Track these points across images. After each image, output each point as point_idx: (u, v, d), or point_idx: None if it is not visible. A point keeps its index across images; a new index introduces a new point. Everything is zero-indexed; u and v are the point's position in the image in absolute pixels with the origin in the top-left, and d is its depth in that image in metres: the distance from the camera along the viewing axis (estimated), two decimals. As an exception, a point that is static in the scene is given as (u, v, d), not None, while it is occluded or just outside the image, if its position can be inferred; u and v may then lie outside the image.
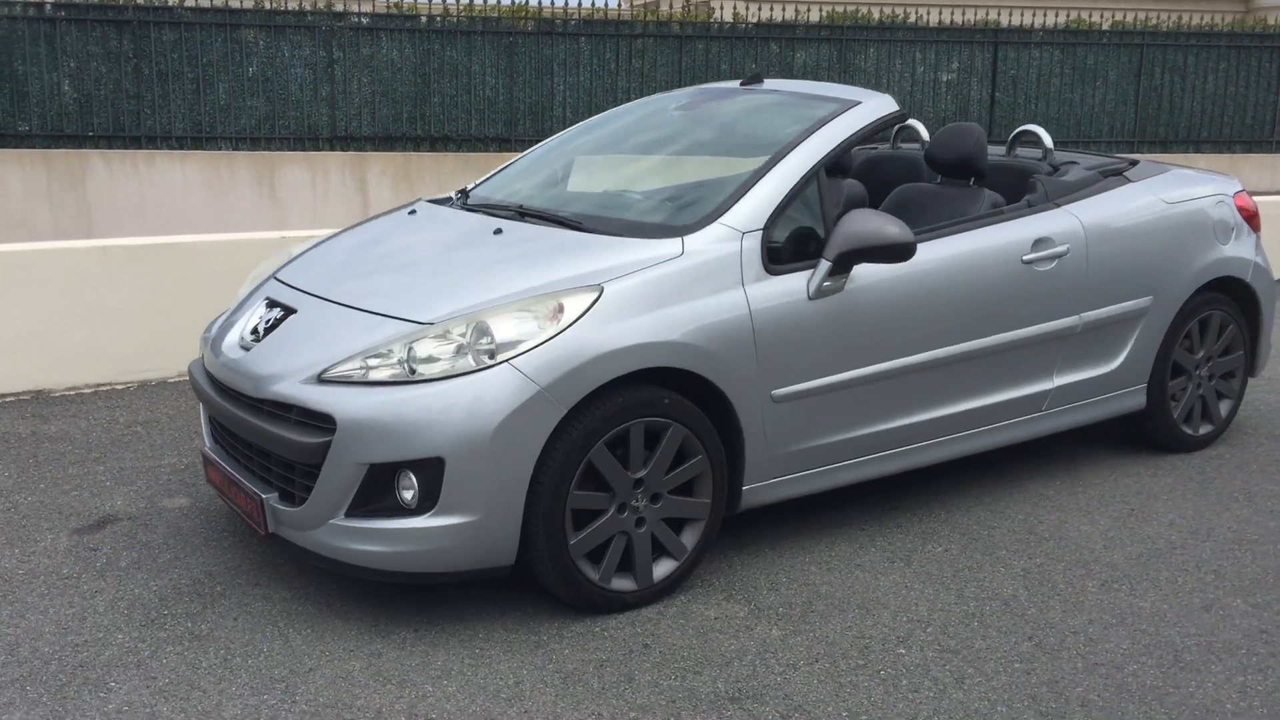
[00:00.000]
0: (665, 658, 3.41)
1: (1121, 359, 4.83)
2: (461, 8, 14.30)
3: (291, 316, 3.79)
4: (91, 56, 13.30)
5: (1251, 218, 5.27)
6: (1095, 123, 16.42)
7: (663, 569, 3.74)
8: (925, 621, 3.64)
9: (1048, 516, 4.48)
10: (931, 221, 4.50)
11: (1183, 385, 5.13)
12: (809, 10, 15.56)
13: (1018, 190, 4.84)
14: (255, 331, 3.83)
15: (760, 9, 15.78)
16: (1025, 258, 4.43)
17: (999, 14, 16.38)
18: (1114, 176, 4.93)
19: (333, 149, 14.00)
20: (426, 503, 3.36)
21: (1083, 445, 5.30)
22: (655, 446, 3.62)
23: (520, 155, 5.03)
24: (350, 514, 3.41)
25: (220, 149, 13.71)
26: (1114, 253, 4.69)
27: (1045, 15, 16.92)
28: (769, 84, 4.83)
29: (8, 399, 5.90)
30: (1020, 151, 5.44)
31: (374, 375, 3.43)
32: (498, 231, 4.01)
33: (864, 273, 4.01)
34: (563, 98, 14.45)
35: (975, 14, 16.42)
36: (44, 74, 13.23)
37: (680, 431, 3.65)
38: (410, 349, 3.44)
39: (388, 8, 14.15)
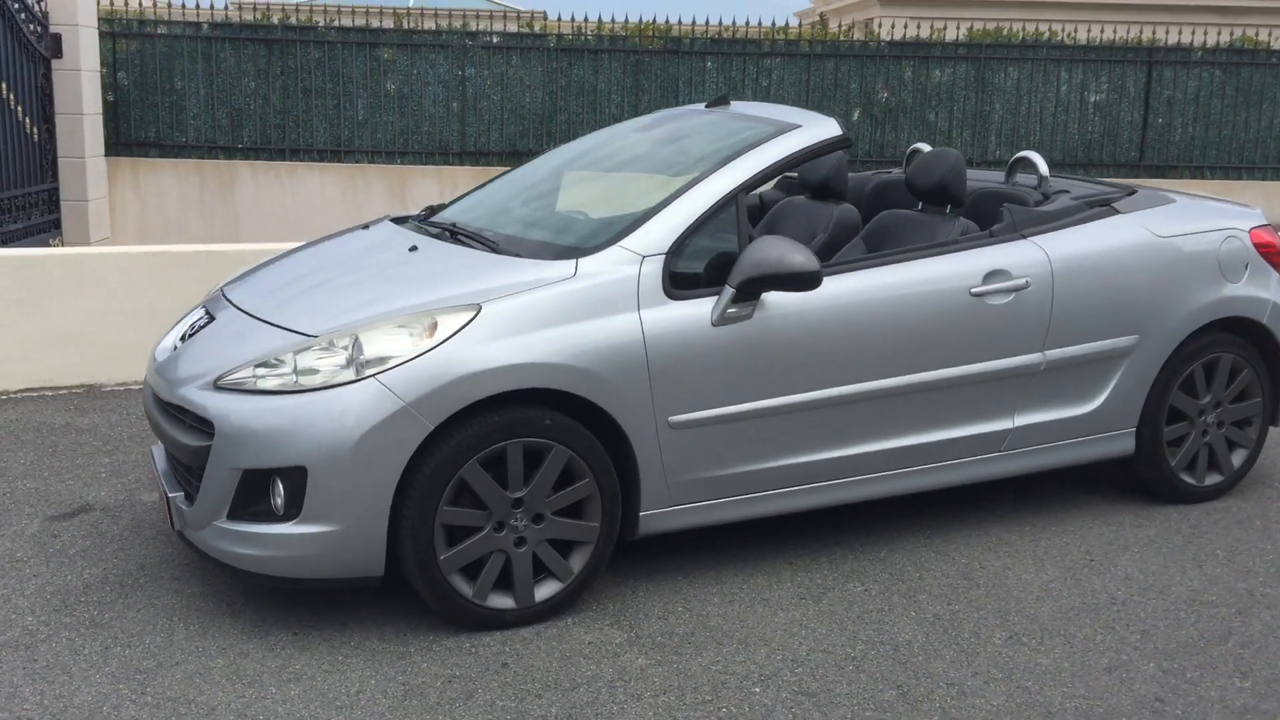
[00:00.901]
0: (516, 678, 3.42)
1: (1101, 400, 4.56)
2: (592, 26, 14.55)
3: (210, 325, 3.97)
4: (243, 73, 14.13)
5: (1274, 254, 4.89)
6: (1261, 148, 15.40)
7: (547, 590, 3.75)
8: (800, 661, 3.53)
9: (994, 562, 4.27)
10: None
11: (1183, 432, 4.79)
12: (945, 28, 15.15)
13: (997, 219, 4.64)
14: (183, 339, 4.04)
15: (895, 27, 15.47)
16: (974, 290, 4.24)
17: (1155, 31, 15.57)
18: (1100, 207, 4.66)
19: (462, 163, 14.45)
20: (292, 510, 3.47)
21: (1078, 489, 5.02)
22: (538, 467, 3.64)
23: (502, 173, 5.12)
24: (231, 517, 3.55)
25: (357, 162, 14.34)
26: (1087, 287, 4.43)
27: (1207, 33, 15.98)
28: (735, 106, 4.77)
29: (61, 391, 6.35)
30: (1021, 179, 5.20)
31: (262, 384, 3.57)
32: (413, 249, 4.10)
33: (783, 300, 3.93)
34: (688, 116, 14.49)
35: (1129, 31, 15.65)
36: (200, 89, 14.14)
37: (564, 453, 3.65)
38: (296, 360, 3.57)
39: (519, 27, 14.51)
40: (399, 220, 4.69)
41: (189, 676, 3.39)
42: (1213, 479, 4.90)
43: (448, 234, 4.25)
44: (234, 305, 4.04)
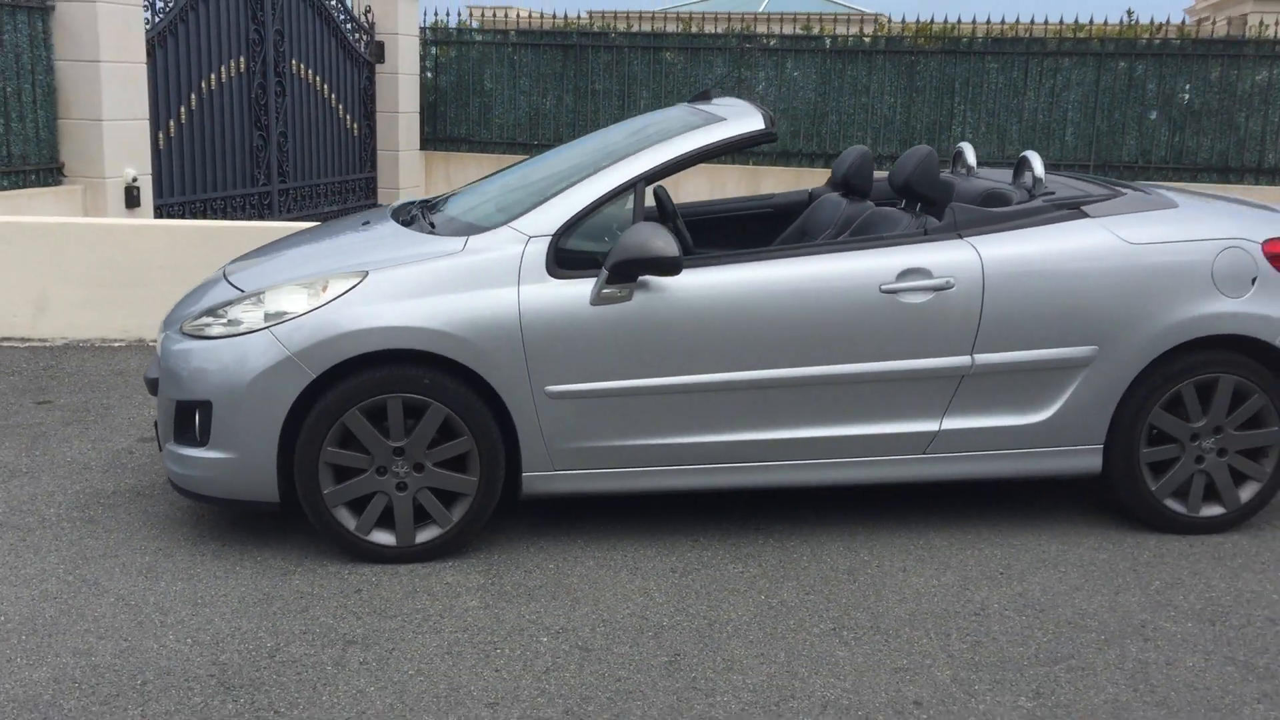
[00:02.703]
0: (354, 602, 3.87)
1: (1052, 411, 4.33)
2: (874, 28, 14.50)
3: (206, 283, 4.71)
4: (541, 76, 15.31)
5: (1300, 269, 4.40)
6: None
7: (428, 534, 4.16)
8: (607, 623, 3.74)
9: (895, 562, 4.21)
10: None
11: (1172, 455, 4.43)
12: (1263, 24, 13.73)
13: (973, 218, 4.51)
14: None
15: (1267, 25, 14.21)
16: (885, 286, 4.19)
17: None
18: (1067, 209, 4.40)
19: (731, 162, 14.88)
20: (204, 437, 4.11)
21: (1068, 504, 4.76)
22: (420, 421, 4.07)
23: (513, 165, 5.48)
24: (175, 440, 4.25)
25: (637, 159, 15.12)
26: (1026, 291, 4.23)
27: None
28: (716, 101, 4.93)
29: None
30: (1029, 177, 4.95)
31: (208, 330, 4.23)
32: (365, 224, 4.63)
33: (671, 284, 4.11)
34: (963, 117, 14.13)
35: None
36: (505, 91, 15.47)
37: (441, 411, 4.06)
38: (230, 312, 4.20)
39: (794, 30, 14.73)
40: (407, 204, 5.18)
41: (113, 568, 4.11)
42: (1211, 510, 4.49)
43: (415, 214, 4.75)
44: (223, 269, 4.75)
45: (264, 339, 4.03)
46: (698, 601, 3.91)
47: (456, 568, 4.15)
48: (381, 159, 15.01)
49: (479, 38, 15.54)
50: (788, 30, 14.85)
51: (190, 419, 4.18)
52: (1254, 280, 4.36)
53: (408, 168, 15.22)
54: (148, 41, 10.30)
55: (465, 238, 4.18)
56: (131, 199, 10.00)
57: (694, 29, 15.14)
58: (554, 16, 16.44)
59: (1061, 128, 13.96)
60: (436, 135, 15.85)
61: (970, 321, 4.24)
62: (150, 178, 10.29)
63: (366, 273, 4.09)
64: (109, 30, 9.60)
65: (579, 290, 4.10)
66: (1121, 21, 14.14)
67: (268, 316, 4.07)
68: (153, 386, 4.34)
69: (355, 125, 14.31)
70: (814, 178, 14.50)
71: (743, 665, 3.49)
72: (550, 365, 4.09)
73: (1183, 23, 15.15)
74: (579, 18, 15.99)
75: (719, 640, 3.64)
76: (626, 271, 4.03)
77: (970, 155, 5.52)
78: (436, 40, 15.58)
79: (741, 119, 4.37)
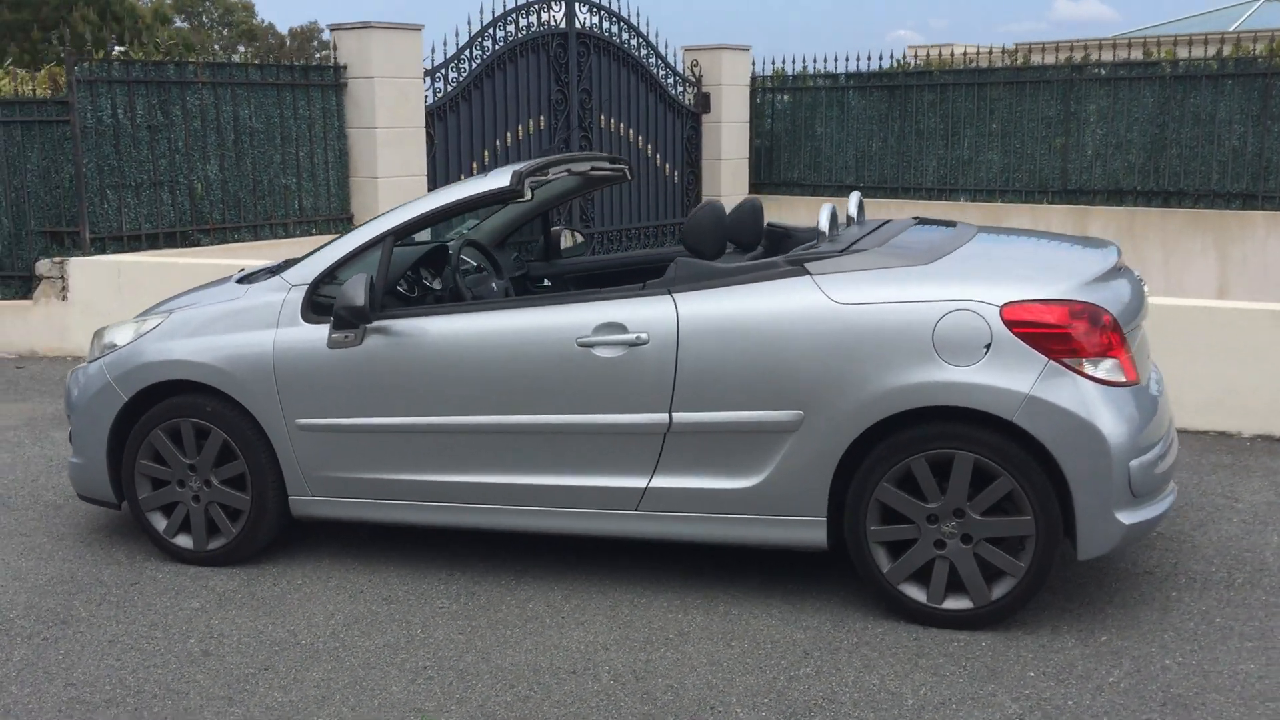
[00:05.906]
0: (126, 592, 4.56)
1: (762, 477, 4.06)
2: (1226, 51, 12.87)
3: (136, 321, 5.68)
4: (868, 119, 15.23)
5: (1045, 337, 3.75)
6: None
7: (217, 542, 4.79)
8: (262, 635, 4.14)
9: (581, 619, 4.18)
10: None
11: (907, 536, 3.97)
12: None
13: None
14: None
15: None
16: (580, 340, 4.18)
17: None
18: (790, 265, 4.07)
19: (1057, 202, 13.85)
20: (71, 445, 5.05)
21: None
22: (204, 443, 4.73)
23: None
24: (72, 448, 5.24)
25: (957, 200, 14.57)
26: (724, 351, 4.02)
27: None
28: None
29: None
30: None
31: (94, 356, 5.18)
32: (241, 271, 5.34)
33: (401, 330, 4.43)
34: (1327, 146, 12.12)
35: None
36: (833, 134, 15.57)
37: (220, 435, 4.68)
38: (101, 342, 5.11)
39: (1130, 56, 13.42)
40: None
41: (18, 545, 5.16)
42: (957, 603, 3.94)
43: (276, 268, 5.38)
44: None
45: (98, 367, 4.89)
46: (358, 629, 4.18)
47: (229, 574, 4.73)
48: (708, 204, 15.67)
49: (811, 83, 15.76)
50: (1124, 56, 13.57)
51: (69, 430, 5.15)
52: (987, 347, 3.80)
53: (735, 212, 15.76)
54: (437, 109, 11.80)
55: (246, 286, 4.78)
56: (406, 245, 11.50)
57: (1020, 62, 14.30)
58: (991, 49, 16.08)
59: None
60: (771, 179, 16.25)
61: (665, 379, 4.11)
62: (428, 226, 11.76)
63: (170, 313, 4.82)
64: (385, 102, 11.19)
65: (324, 335, 4.53)
66: None
67: (103, 348, 4.94)
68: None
69: (675, 173, 15.12)
70: (1147, 219, 13.15)
71: (293, 679, 3.77)
72: (298, 400, 4.56)
73: None
74: (1014, 49, 15.52)
75: (318, 659, 3.93)
76: (342, 319, 4.42)
77: (853, 205, 5.19)
78: (773, 89, 16.02)
79: (493, 179, 4.56)
